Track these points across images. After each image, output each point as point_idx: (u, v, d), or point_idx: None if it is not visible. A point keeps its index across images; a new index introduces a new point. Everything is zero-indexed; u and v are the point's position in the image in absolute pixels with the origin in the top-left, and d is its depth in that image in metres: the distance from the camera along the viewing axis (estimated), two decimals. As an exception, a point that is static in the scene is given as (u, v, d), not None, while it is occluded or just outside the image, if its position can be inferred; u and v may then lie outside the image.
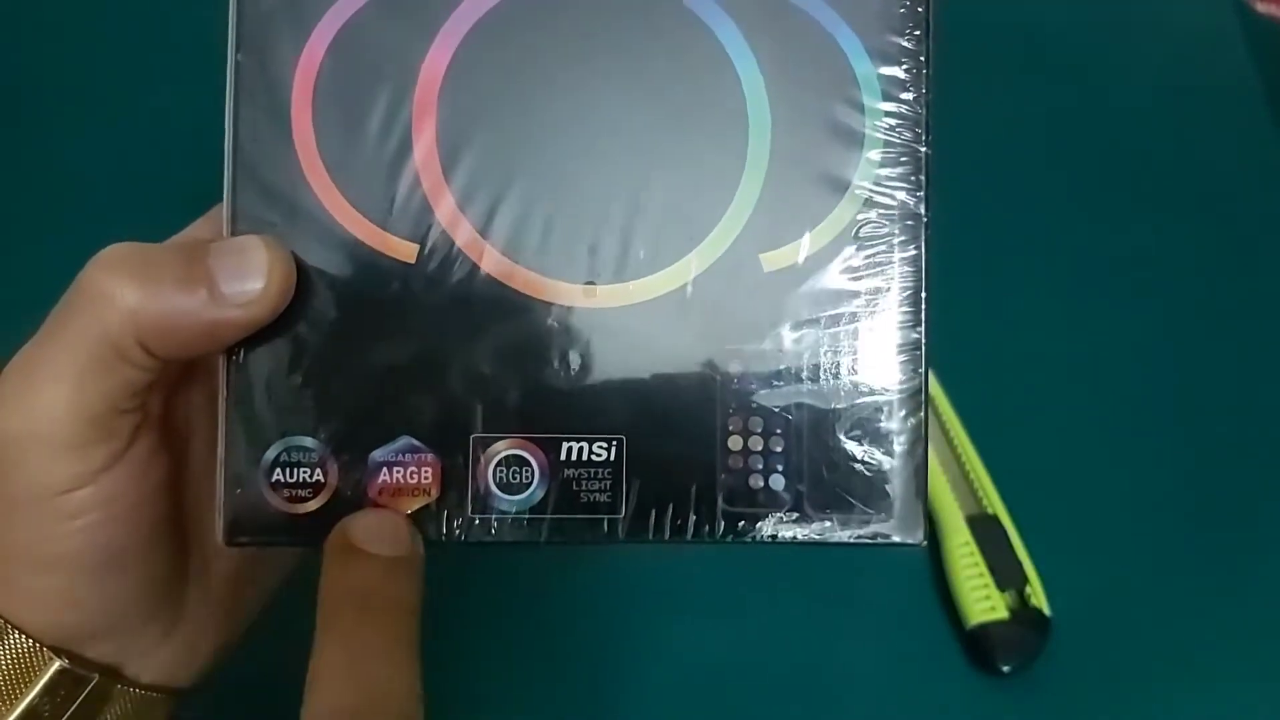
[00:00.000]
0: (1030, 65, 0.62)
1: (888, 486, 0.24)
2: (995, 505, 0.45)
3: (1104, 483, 0.47)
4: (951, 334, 0.51)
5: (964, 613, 0.42)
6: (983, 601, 0.42)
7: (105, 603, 0.23)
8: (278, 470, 0.23)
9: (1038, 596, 0.42)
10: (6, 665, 0.21)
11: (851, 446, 0.24)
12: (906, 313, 0.24)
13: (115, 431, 0.22)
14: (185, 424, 0.25)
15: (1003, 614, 0.41)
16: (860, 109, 0.24)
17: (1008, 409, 0.49)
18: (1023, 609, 0.42)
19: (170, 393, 0.24)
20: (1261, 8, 0.65)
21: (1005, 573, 0.42)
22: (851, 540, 0.24)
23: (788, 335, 0.24)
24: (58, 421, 0.21)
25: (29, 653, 0.22)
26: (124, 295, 0.21)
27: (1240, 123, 0.61)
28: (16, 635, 0.22)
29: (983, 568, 0.42)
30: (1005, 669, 0.41)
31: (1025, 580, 0.42)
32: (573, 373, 0.24)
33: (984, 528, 0.44)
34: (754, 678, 0.41)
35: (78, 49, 0.55)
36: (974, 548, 0.43)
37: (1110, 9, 0.66)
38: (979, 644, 0.41)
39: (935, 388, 0.48)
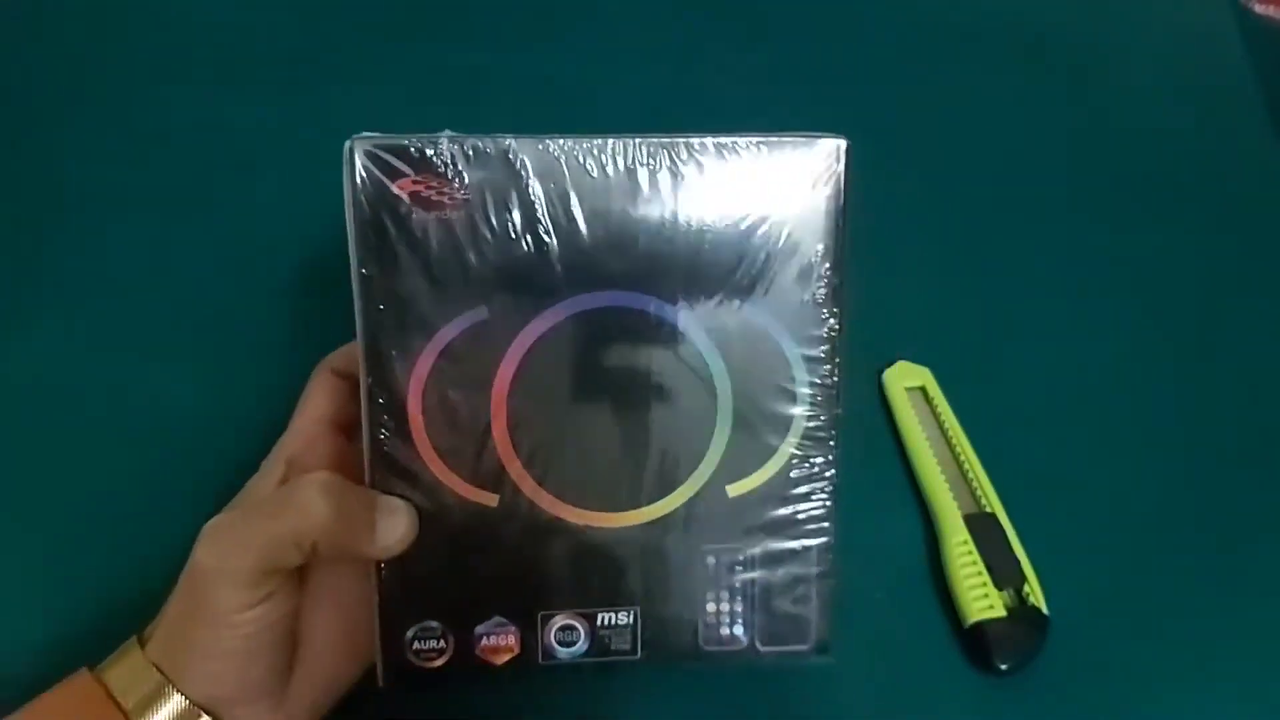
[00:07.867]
0: (1029, 67, 0.62)
1: (809, 628, 0.37)
2: (993, 504, 0.45)
3: (1102, 483, 0.47)
4: (952, 335, 0.51)
5: (962, 611, 0.42)
6: (981, 600, 0.42)
7: (244, 684, 0.33)
8: (415, 641, 0.35)
9: (1035, 595, 0.42)
10: (171, 718, 0.32)
11: (786, 606, 0.37)
12: (824, 525, 0.36)
13: (271, 579, 0.32)
14: (305, 570, 0.35)
15: (1001, 612, 0.41)
16: (792, 383, 0.35)
17: (1007, 409, 0.49)
18: (1021, 607, 0.42)
19: None
20: (1260, 8, 0.65)
21: (1003, 571, 0.43)
22: (784, 662, 0.37)
23: (746, 539, 0.36)
24: (243, 571, 0.32)
25: (186, 711, 0.32)
26: (322, 513, 0.32)
27: (1239, 123, 0.61)
28: (180, 698, 0.32)
29: (981, 566, 0.43)
30: (1003, 667, 0.41)
31: (1023, 579, 0.42)
32: (606, 567, 0.36)
33: (982, 526, 0.44)
34: (751, 676, 0.41)
35: (78, 47, 0.56)
36: (972, 546, 0.43)
37: (1110, 10, 0.66)
38: (977, 642, 0.41)
39: (935, 388, 0.49)
